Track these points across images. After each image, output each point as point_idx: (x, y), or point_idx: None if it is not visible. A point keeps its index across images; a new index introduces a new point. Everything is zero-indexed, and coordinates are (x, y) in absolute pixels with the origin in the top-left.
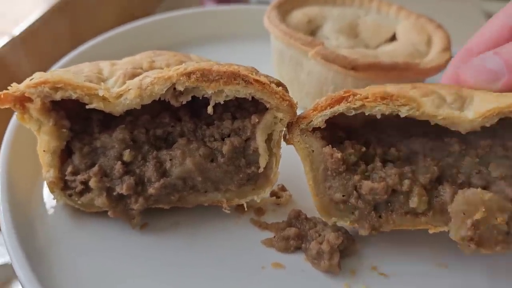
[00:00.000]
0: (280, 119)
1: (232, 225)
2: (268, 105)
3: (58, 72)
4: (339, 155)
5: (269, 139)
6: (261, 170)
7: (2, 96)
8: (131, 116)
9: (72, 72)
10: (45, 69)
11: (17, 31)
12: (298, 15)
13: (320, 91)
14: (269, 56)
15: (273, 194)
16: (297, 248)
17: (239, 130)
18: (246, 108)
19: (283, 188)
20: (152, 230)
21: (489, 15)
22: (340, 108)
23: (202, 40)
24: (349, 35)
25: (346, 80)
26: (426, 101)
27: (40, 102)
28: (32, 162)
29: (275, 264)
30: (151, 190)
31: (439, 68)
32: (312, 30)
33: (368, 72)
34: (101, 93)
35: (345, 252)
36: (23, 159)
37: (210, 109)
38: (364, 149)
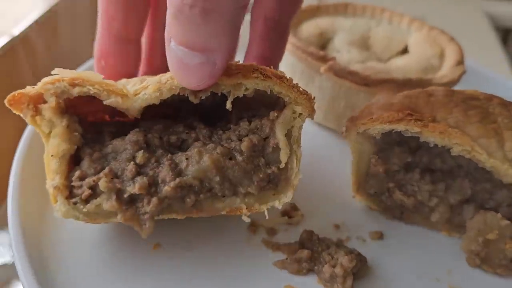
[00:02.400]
0: (299, 113)
1: (244, 245)
2: (286, 99)
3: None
4: (381, 168)
5: (288, 136)
6: (282, 165)
7: (17, 95)
8: (144, 127)
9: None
10: (44, 68)
11: (16, 31)
12: (310, 28)
13: (332, 106)
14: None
15: (285, 213)
16: (310, 270)
17: (257, 130)
18: (261, 114)
19: (295, 207)
20: (164, 252)
21: (490, 16)
22: (399, 127)
23: None
24: (361, 48)
25: (358, 96)
26: (482, 145)
27: (55, 101)
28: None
29: (288, 286)
30: (166, 189)
31: (453, 83)
32: (323, 42)
33: (381, 88)
34: (120, 85)
35: (358, 274)
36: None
37: (228, 105)
38: (409, 159)
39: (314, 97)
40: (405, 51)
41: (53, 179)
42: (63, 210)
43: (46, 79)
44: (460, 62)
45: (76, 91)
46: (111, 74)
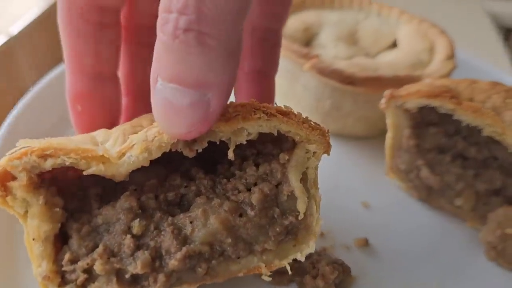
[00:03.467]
0: (313, 152)
1: None
2: (297, 138)
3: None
4: (413, 142)
5: (303, 179)
6: (301, 216)
7: None
8: (134, 185)
9: (62, 139)
10: (43, 68)
11: (14, 30)
12: (295, 23)
13: (317, 106)
14: None
15: None
16: (291, 281)
17: (266, 176)
18: (267, 152)
19: None
20: None
21: (491, 15)
22: (434, 103)
23: None
24: (348, 43)
25: (344, 95)
26: None
27: (26, 177)
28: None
29: None
30: (172, 263)
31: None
32: (309, 38)
33: (367, 86)
34: (100, 151)
35: (340, 285)
36: None
37: (230, 154)
38: (443, 141)
39: (328, 131)
40: (394, 45)
41: (39, 265)
42: None
43: (11, 153)
44: (450, 56)
45: (49, 164)
46: (90, 120)
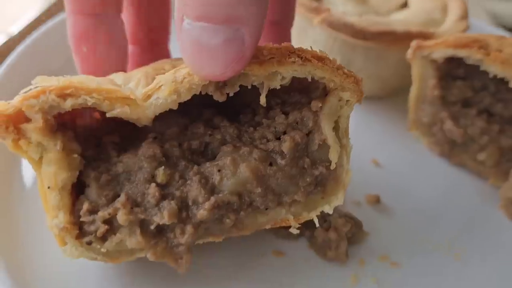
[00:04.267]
0: (347, 100)
1: None
2: (331, 85)
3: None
4: (437, 92)
5: (335, 128)
6: (333, 166)
7: None
8: (153, 133)
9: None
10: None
11: (14, 29)
12: None
13: None
14: None
15: None
16: (300, 235)
17: (297, 124)
18: (295, 101)
19: None
20: None
21: (492, 15)
22: (462, 53)
23: None
24: (357, 1)
25: (354, 51)
26: None
27: (43, 119)
28: None
29: (275, 252)
30: (201, 213)
31: None
32: None
33: (379, 41)
34: (126, 91)
35: (352, 239)
36: None
37: (263, 100)
38: (470, 94)
39: (362, 79)
40: (404, 5)
41: (55, 216)
42: (75, 253)
43: (27, 91)
44: (464, 17)
45: (68, 105)
46: (97, 63)
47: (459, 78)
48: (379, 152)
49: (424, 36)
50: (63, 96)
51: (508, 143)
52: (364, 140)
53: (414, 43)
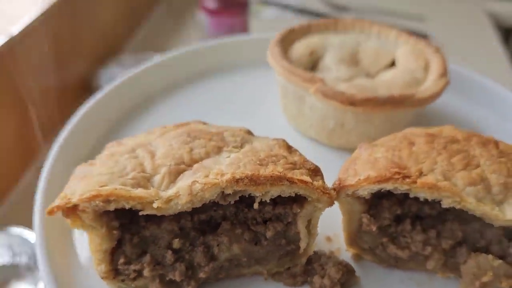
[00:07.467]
0: (319, 207)
1: None
2: (309, 199)
3: (103, 178)
4: (374, 227)
5: (308, 223)
6: (301, 251)
7: (55, 208)
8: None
9: (117, 175)
10: (42, 69)
11: (15, 30)
12: (300, 48)
13: (323, 124)
14: (274, 90)
15: None
16: (304, 282)
17: (280, 216)
18: (283, 200)
19: None
20: None
21: (492, 16)
22: (388, 186)
23: (208, 73)
24: (350, 64)
25: (346, 115)
26: (470, 193)
27: (93, 213)
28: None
29: None
30: (202, 274)
31: (436, 96)
32: (314, 61)
33: (365, 107)
34: (155, 205)
35: (346, 285)
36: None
37: (256, 205)
38: (399, 211)
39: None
40: (393, 64)
41: (99, 264)
42: (112, 285)
43: (81, 196)
44: (444, 74)
45: (112, 207)
46: None
47: (382, 197)
48: None
49: (405, 98)
50: (108, 202)
51: (448, 244)
52: None
53: (336, 183)
